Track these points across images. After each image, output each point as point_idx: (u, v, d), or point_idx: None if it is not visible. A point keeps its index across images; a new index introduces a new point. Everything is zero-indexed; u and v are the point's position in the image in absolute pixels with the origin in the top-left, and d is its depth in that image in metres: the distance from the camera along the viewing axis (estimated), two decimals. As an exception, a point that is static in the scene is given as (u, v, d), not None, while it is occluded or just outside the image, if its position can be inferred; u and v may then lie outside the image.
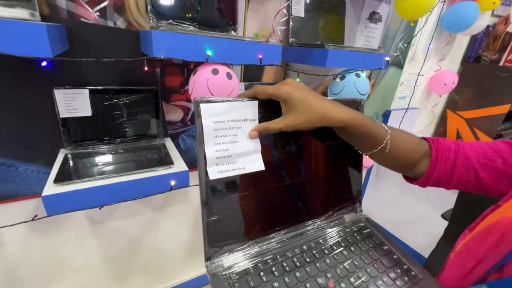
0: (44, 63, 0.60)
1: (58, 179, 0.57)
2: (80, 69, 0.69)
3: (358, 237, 0.40)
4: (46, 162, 0.73)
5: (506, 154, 0.37)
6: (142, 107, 0.77)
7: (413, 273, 0.35)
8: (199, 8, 0.76)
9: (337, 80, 0.91)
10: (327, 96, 0.47)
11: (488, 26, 1.73)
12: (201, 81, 0.61)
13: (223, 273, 0.32)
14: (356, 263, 0.35)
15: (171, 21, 0.72)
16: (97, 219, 0.88)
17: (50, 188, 0.55)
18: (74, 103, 0.68)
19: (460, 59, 1.78)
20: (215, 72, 0.61)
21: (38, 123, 0.69)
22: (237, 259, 0.34)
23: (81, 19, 0.65)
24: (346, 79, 0.89)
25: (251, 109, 0.34)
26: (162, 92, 0.82)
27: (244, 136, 0.34)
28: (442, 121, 1.98)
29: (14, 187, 0.72)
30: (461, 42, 1.70)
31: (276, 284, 0.32)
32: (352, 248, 0.37)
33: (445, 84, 1.56)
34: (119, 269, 1.00)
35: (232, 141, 0.33)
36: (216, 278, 0.32)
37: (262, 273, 0.33)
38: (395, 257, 0.37)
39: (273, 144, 0.37)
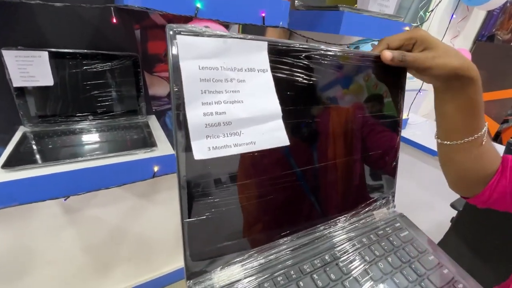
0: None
1: (8, 164, 0.45)
2: (36, 26, 0.55)
3: (395, 242, 0.30)
4: (3, 141, 0.61)
5: None
6: (119, 77, 0.64)
7: (460, 285, 0.27)
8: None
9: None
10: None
11: (506, 2, 1.59)
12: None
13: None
14: (397, 281, 0.26)
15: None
16: (72, 207, 0.78)
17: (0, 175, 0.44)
18: (30, 68, 0.54)
19: (473, 37, 1.66)
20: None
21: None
22: (234, 276, 0.24)
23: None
24: (360, 50, 0.77)
25: (258, 52, 0.22)
26: (144, 60, 0.69)
27: (252, 93, 0.22)
28: (448, 105, 1.89)
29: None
30: (477, 18, 1.56)
31: None
32: (390, 259, 0.28)
33: (457, 64, 1.44)
34: (101, 259, 0.91)
35: (231, 99, 0.21)
36: None
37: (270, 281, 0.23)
38: (445, 271, 0.28)
39: (295, 129, 0.25)
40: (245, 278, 0.25)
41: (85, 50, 0.59)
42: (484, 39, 1.71)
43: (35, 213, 0.73)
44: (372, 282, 0.26)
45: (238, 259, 0.25)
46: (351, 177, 0.31)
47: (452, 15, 1.21)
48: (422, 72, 0.31)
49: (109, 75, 0.63)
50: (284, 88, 0.24)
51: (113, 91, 0.64)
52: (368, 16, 0.70)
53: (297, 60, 0.24)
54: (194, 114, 0.19)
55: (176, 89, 0.19)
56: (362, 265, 0.27)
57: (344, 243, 0.29)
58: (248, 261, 0.26)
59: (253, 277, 0.25)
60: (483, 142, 0.33)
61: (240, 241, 0.25)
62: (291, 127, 0.24)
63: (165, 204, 0.95)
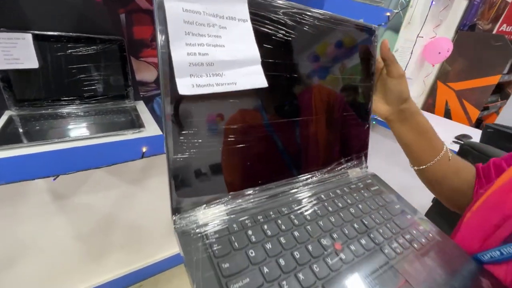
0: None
1: (-5, 142, 0.46)
2: (20, 8, 0.55)
3: (365, 193, 0.33)
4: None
5: None
6: (105, 61, 0.64)
7: (430, 234, 0.29)
8: None
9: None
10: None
11: (486, -9, 1.64)
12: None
13: (197, 230, 0.24)
14: (366, 222, 0.29)
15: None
16: (62, 194, 0.78)
17: (-16, 153, 0.44)
18: (14, 51, 0.54)
19: (455, 26, 1.71)
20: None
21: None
22: (217, 215, 0.26)
23: None
24: (343, 34, 0.79)
25: (239, 3, 0.24)
26: (130, 45, 0.69)
27: (232, 40, 0.24)
28: (432, 93, 1.95)
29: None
30: (458, 8, 1.61)
31: (268, 246, 0.24)
32: (360, 206, 0.30)
33: (439, 53, 1.49)
34: (93, 247, 0.92)
35: (213, 43, 0.23)
36: (186, 236, 0.23)
37: (250, 232, 0.25)
38: (409, 216, 0.31)
39: (273, 77, 0.27)
40: (227, 216, 0.26)
41: (70, 33, 0.59)
42: (466, 29, 1.76)
43: (24, 201, 0.73)
44: (343, 222, 0.28)
45: (220, 200, 0.26)
46: (326, 135, 0.33)
47: (432, 2, 1.24)
48: (390, 80, 0.38)
49: (95, 59, 0.63)
50: (262, 40, 0.25)
51: (99, 75, 0.65)
52: (351, 1, 0.72)
53: (276, 16, 0.26)
54: (178, 53, 0.21)
55: (161, 27, 0.20)
56: (336, 209, 0.29)
57: (321, 193, 0.31)
58: (230, 202, 0.27)
59: (234, 216, 0.26)
60: (450, 158, 0.37)
61: (222, 185, 0.27)
62: (268, 78, 0.26)
63: (155, 190, 0.96)
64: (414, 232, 0.29)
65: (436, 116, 1.64)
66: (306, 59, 0.30)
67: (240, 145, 0.26)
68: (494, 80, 1.65)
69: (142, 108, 0.71)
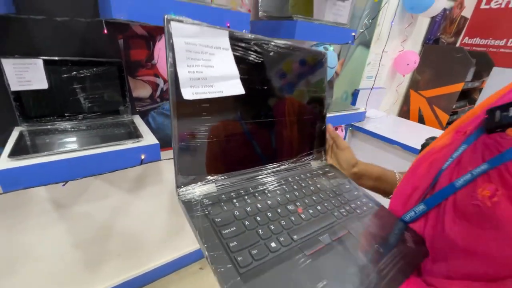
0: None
1: (14, 153, 0.52)
2: (31, 36, 0.63)
3: (323, 177, 0.42)
4: (-1, 142, 0.67)
5: None
6: (105, 80, 0.73)
7: (370, 204, 0.39)
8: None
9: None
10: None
11: (445, 9, 1.84)
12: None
13: (196, 199, 0.32)
14: (322, 196, 0.38)
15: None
16: (62, 203, 0.83)
17: (5, 163, 0.51)
18: (26, 74, 0.62)
19: (421, 40, 1.89)
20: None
21: (-15, 98, 0.62)
22: (209, 190, 0.34)
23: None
24: (315, 52, 0.91)
25: (222, 37, 0.34)
26: (128, 66, 0.78)
27: (219, 63, 0.33)
28: (406, 101, 2.11)
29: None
30: (422, 24, 1.80)
31: (248, 209, 0.32)
32: (318, 185, 0.40)
33: (407, 64, 1.65)
34: (91, 255, 0.96)
35: (206, 65, 0.32)
36: (188, 203, 0.31)
37: (235, 200, 0.33)
38: (355, 193, 0.40)
39: (249, 88, 0.36)
40: (217, 191, 0.34)
41: (75, 58, 0.67)
42: (431, 42, 1.95)
43: (26, 210, 0.78)
44: (304, 195, 0.37)
45: (211, 179, 0.35)
46: (291, 133, 0.43)
47: (392, 22, 1.40)
48: (339, 151, 0.51)
49: (96, 79, 0.71)
50: (239, 62, 0.35)
51: (100, 93, 0.73)
52: (319, 24, 0.84)
53: (248, 45, 0.36)
54: (182, 71, 0.30)
55: (170, 54, 0.29)
56: (300, 187, 0.38)
57: (288, 176, 0.40)
58: (219, 181, 0.35)
59: (223, 190, 0.34)
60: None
61: (213, 168, 0.35)
62: (245, 88, 0.35)
63: (150, 198, 1.03)
64: (358, 203, 0.38)
65: (411, 122, 1.79)
66: (272, 75, 0.40)
67: (225, 139, 0.35)
68: (458, 87, 1.83)
69: (139, 121, 0.79)
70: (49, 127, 0.68)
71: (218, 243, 0.27)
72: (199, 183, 0.34)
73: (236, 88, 0.35)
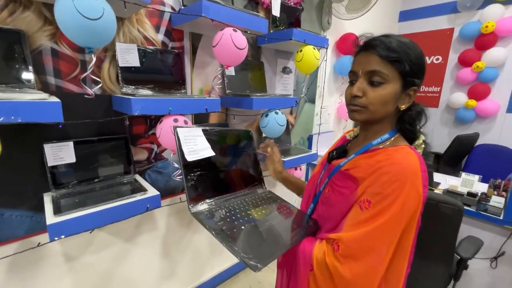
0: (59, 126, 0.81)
1: (56, 211, 0.73)
2: (65, 128, 0.88)
3: (265, 198, 0.73)
4: (28, 206, 0.86)
5: None
6: (115, 151, 0.98)
7: (290, 208, 0.69)
8: (157, 73, 1.04)
9: (264, 117, 1.27)
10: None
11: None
12: (166, 127, 0.87)
13: (201, 211, 0.60)
14: (265, 206, 0.68)
15: (136, 86, 0.99)
16: (72, 255, 0.98)
17: (52, 219, 0.71)
18: (60, 153, 0.85)
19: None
20: (175, 120, 0.89)
21: (23, 172, 0.83)
22: (207, 205, 0.62)
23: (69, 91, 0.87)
24: (269, 116, 1.25)
25: (199, 132, 0.66)
26: (131, 138, 1.04)
27: (200, 142, 0.64)
28: (355, 139, 2.55)
29: (-1, 232, 0.82)
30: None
31: (227, 211, 0.61)
32: (262, 202, 0.70)
33: (346, 112, 2.10)
34: (93, 304, 1.07)
35: (194, 144, 0.62)
36: (196, 213, 0.59)
37: (218, 208, 0.62)
38: (282, 203, 0.71)
39: (217, 152, 0.67)
40: (209, 207, 0.61)
41: (94, 138, 0.93)
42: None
43: (42, 264, 0.92)
44: (255, 205, 0.65)
45: (207, 201, 0.62)
46: (243, 175, 0.74)
47: (323, 86, 1.88)
48: (274, 165, 0.84)
49: (109, 150, 0.96)
50: (208, 140, 0.65)
51: (112, 161, 0.97)
52: (268, 98, 1.20)
53: (209, 133, 0.67)
54: (185, 148, 0.59)
55: (177, 141, 0.58)
56: (251, 202, 0.67)
57: (246, 197, 0.69)
58: (210, 202, 0.63)
59: (212, 206, 0.62)
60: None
61: (206, 195, 0.63)
62: (214, 152, 0.66)
63: (146, 245, 1.19)
64: (282, 209, 0.67)
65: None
66: (226, 148, 0.71)
67: (209, 179, 0.64)
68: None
69: (139, 179, 1.02)
70: (72, 190, 0.89)
71: (215, 227, 0.54)
72: (200, 202, 0.61)
73: (210, 153, 0.65)
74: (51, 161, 0.84)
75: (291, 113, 1.76)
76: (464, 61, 2.47)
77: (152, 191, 0.91)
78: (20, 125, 0.71)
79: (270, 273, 1.63)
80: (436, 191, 1.54)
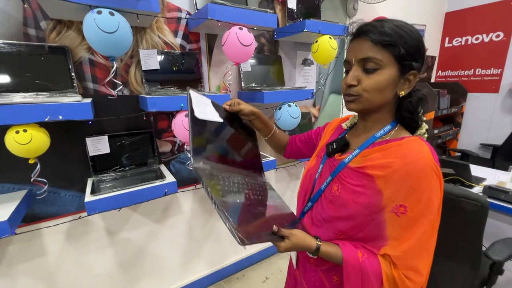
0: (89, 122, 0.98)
1: (93, 192, 0.90)
2: (102, 124, 1.06)
3: (262, 186, 0.72)
4: (77, 188, 1.06)
5: (312, 135, 0.80)
6: (142, 143, 1.14)
7: (284, 206, 0.69)
8: (176, 73, 1.17)
9: (277, 110, 1.30)
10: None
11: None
12: (178, 121, 0.98)
13: (201, 167, 0.60)
14: (262, 193, 0.68)
15: (159, 86, 1.12)
16: (112, 230, 1.18)
17: (88, 197, 0.88)
18: (98, 145, 1.04)
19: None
20: (187, 116, 0.99)
21: (73, 161, 1.04)
22: (207, 167, 0.62)
23: (104, 94, 1.04)
24: (282, 108, 1.28)
25: (209, 102, 0.71)
26: (156, 132, 1.19)
27: (208, 111, 0.67)
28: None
29: (56, 208, 1.04)
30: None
31: (222, 178, 0.62)
32: (260, 189, 0.70)
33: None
34: (129, 274, 1.27)
35: (204, 108, 0.65)
36: (196, 168, 0.58)
37: (218, 174, 0.62)
38: (279, 201, 0.71)
39: (225, 124, 0.72)
40: (210, 170, 0.66)
41: (124, 132, 1.09)
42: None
43: (90, 236, 1.13)
44: (250, 184, 0.69)
45: (209, 162, 0.66)
46: (243, 155, 0.76)
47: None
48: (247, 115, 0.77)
49: (137, 143, 1.12)
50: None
51: (139, 152, 1.13)
52: (280, 91, 1.23)
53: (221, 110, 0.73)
54: (195, 108, 0.64)
55: (189, 102, 0.65)
56: (249, 186, 0.70)
57: (246, 179, 0.72)
58: (214, 165, 0.67)
59: (213, 172, 0.67)
60: (277, 131, 0.81)
61: (211, 155, 0.65)
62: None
63: (172, 227, 1.35)
64: (276, 203, 0.69)
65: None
66: (230, 128, 0.76)
67: (215, 143, 0.67)
68: (430, 115, 2.09)
69: (163, 168, 1.16)
70: (111, 176, 1.07)
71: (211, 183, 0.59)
72: (202, 160, 0.64)
73: (218, 118, 0.69)
74: (91, 152, 1.03)
75: (314, 105, 1.74)
76: (533, 36, 2.08)
77: (170, 178, 1.04)
78: (67, 123, 0.89)
79: (291, 263, 1.67)
80: (477, 187, 1.37)
